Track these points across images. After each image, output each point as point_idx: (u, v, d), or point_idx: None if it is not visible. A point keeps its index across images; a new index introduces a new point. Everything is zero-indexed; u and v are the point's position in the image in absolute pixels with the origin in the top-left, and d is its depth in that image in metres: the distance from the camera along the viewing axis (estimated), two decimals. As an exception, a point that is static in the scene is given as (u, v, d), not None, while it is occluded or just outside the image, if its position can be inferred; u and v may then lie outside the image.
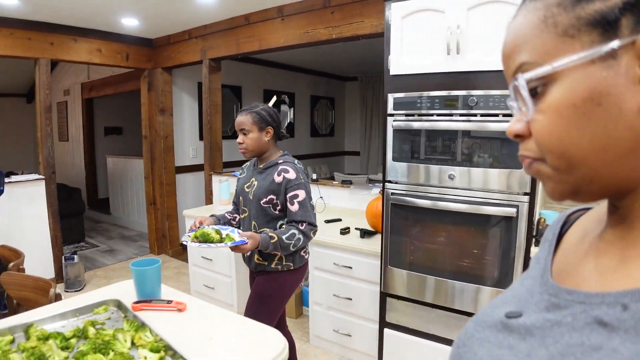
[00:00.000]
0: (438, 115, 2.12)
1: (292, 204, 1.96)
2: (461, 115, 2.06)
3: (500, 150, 2.03)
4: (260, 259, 2.03)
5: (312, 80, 6.77)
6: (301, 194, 1.97)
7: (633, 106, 0.36)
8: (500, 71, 1.59)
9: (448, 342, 2.26)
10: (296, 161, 2.09)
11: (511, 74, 0.45)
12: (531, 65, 0.41)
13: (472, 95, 2.02)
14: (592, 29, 0.38)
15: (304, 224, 1.95)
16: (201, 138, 4.89)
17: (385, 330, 2.45)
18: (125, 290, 1.60)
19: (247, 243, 1.79)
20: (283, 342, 1.29)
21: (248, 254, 2.05)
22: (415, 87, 2.17)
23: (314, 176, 3.55)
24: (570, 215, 0.58)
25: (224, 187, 3.64)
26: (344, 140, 7.88)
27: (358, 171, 7.43)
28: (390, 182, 2.30)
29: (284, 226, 2.02)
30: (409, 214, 2.27)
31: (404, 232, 2.31)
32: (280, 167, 2.00)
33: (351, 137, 7.82)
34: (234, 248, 1.79)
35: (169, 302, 1.43)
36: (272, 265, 2.02)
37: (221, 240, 1.81)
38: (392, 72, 2.22)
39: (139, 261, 1.49)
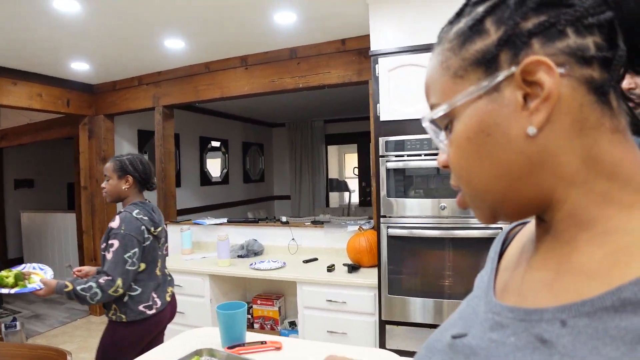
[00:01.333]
0: (425, 155, 2.54)
1: (108, 252, 2.00)
2: (446, 154, 2.50)
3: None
4: (104, 306, 2.11)
5: (243, 127, 7.04)
6: (115, 244, 1.98)
7: (519, 132, 0.41)
8: None
9: (448, 358, 2.59)
10: (136, 212, 2.09)
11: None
12: (436, 106, 0.47)
13: (456, 137, 2.48)
14: (476, 68, 0.43)
15: (106, 278, 1.94)
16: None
17: (387, 356, 2.72)
18: (200, 337, 1.58)
19: (41, 289, 1.89)
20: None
21: None
22: (403, 131, 2.58)
23: (284, 219, 3.78)
24: (510, 231, 0.61)
25: (187, 236, 3.71)
26: (273, 185, 8.15)
27: (290, 214, 7.70)
28: (384, 217, 2.64)
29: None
30: (406, 245, 2.62)
31: (402, 261, 2.65)
32: (117, 215, 2.10)
33: (280, 182, 8.13)
34: (32, 292, 1.89)
35: (263, 342, 1.47)
36: (109, 314, 2.09)
37: (15, 285, 1.89)
38: (382, 118, 2.61)
39: (223, 304, 1.53)
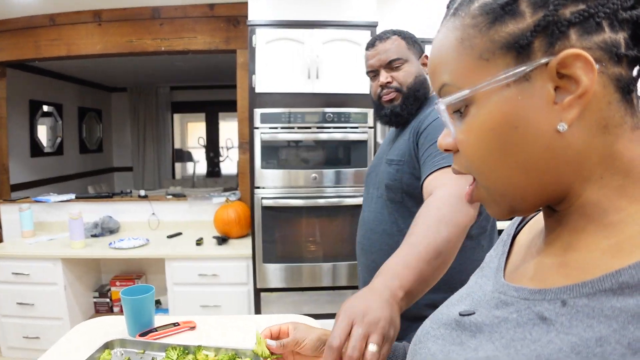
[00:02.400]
0: (300, 128, 2.67)
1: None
2: (319, 128, 2.66)
3: (350, 154, 2.72)
4: None
5: (79, 90, 6.31)
6: None
7: (548, 127, 0.40)
8: (349, 94, 2.31)
9: (321, 316, 2.81)
10: None
11: (437, 91, 0.49)
12: (451, 87, 0.45)
13: (328, 112, 2.65)
14: (506, 52, 0.41)
15: None
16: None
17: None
18: (99, 328, 1.42)
19: None
20: (312, 321, 1.51)
21: None
22: (279, 104, 2.66)
23: (142, 192, 3.58)
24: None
25: (27, 216, 3.29)
26: (112, 155, 7.52)
27: (132, 187, 7.23)
28: (259, 188, 2.72)
29: None
30: (280, 214, 2.74)
31: (275, 231, 2.77)
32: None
33: (121, 152, 7.53)
34: None
35: (176, 324, 1.40)
36: None
37: None
38: (257, 90, 2.65)
39: (127, 290, 1.40)
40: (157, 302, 3.24)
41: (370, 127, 2.68)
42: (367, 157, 2.69)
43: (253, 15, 2.66)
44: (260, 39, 2.61)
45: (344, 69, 2.64)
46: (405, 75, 1.37)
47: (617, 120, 0.40)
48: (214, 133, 7.71)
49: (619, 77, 0.40)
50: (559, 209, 0.46)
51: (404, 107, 1.37)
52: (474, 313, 0.50)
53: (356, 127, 2.67)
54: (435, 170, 1.13)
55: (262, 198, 2.70)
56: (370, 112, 2.67)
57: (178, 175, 7.83)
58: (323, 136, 2.67)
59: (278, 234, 2.78)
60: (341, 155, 2.74)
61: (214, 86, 7.10)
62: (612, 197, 0.41)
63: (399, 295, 0.79)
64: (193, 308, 2.95)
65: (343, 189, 2.71)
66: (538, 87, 0.40)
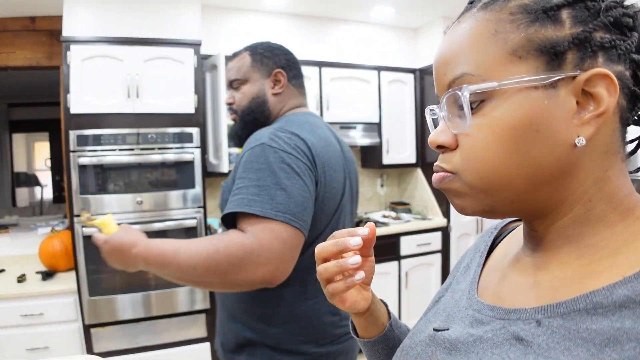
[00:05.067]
0: (120, 150, 2.57)
1: None
2: (142, 149, 2.59)
3: (177, 175, 2.68)
4: None
5: None
6: None
7: (566, 139, 0.41)
8: (173, 114, 2.33)
9: (157, 347, 2.72)
10: None
11: (447, 82, 0.46)
12: (474, 77, 0.43)
13: (151, 133, 2.59)
14: (540, 55, 0.41)
15: None
16: None
17: (94, 360, 2.67)
18: None
19: None
20: None
21: None
22: (97, 125, 2.55)
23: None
24: (505, 226, 0.62)
25: None
26: (-64, 184, 6.60)
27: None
28: (78, 216, 2.56)
29: None
30: (106, 242, 2.60)
31: (101, 260, 2.61)
32: None
33: (-53, 180, 6.64)
34: None
35: None
36: None
37: None
38: (72, 111, 2.51)
39: None
40: (-24, 351, 2.90)
41: (196, 147, 2.66)
42: (194, 178, 2.67)
43: (68, 31, 2.53)
44: (76, 55, 2.48)
45: (168, 88, 2.61)
46: (241, 97, 1.29)
47: (615, 149, 0.43)
48: (60, 153, 7.10)
49: (622, 109, 0.43)
50: (538, 227, 0.47)
51: (242, 129, 1.30)
52: (447, 329, 0.50)
53: (181, 147, 2.64)
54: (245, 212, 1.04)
55: (83, 227, 2.55)
56: (195, 131, 2.65)
57: (24, 202, 7.10)
58: (148, 158, 2.60)
59: (104, 264, 2.62)
60: (167, 177, 2.69)
61: (58, 102, 6.57)
62: (592, 221, 0.43)
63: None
64: (18, 353, 2.68)
65: (172, 212, 2.66)
66: (562, 97, 0.41)
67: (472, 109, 0.44)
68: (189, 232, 2.68)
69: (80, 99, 2.51)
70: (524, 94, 0.41)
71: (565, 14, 0.42)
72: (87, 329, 2.65)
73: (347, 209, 1.29)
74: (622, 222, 0.43)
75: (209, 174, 2.85)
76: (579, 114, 0.41)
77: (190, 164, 2.66)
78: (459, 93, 0.44)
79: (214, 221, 3.07)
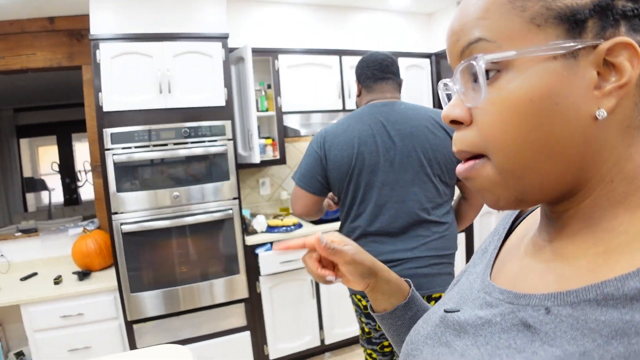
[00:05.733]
0: (154, 145, 2.57)
1: None
2: (176, 144, 2.59)
3: (211, 168, 2.69)
4: None
5: None
6: None
7: (587, 111, 0.39)
8: (205, 107, 2.35)
9: (198, 339, 2.75)
10: None
11: (460, 48, 0.44)
12: (490, 44, 0.41)
13: (184, 127, 2.59)
14: (559, 23, 0.39)
15: None
16: None
17: (137, 355, 2.68)
18: None
19: None
20: (185, 350, 1.43)
21: None
22: (130, 122, 2.54)
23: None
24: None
25: None
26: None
27: (-23, 228, 6.38)
28: (117, 213, 2.56)
29: None
30: (144, 238, 2.62)
31: (141, 256, 2.63)
32: None
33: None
34: None
35: None
36: None
37: None
38: (105, 109, 2.50)
39: None
40: (20, 354, 2.91)
41: (229, 139, 2.67)
42: (228, 170, 2.68)
43: (96, 29, 2.51)
44: (105, 54, 2.47)
45: (198, 82, 2.61)
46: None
47: (637, 123, 0.40)
48: (68, 156, 7.08)
49: None
50: (557, 209, 0.45)
51: None
52: (458, 310, 0.50)
53: (214, 140, 2.65)
54: None
55: (122, 224, 2.56)
56: (227, 124, 2.66)
57: (32, 207, 7.07)
58: (180, 152, 2.60)
59: (144, 260, 2.65)
60: (201, 170, 2.69)
61: (65, 105, 6.54)
62: (613, 204, 0.41)
63: None
64: (60, 355, 2.68)
65: (207, 205, 2.67)
66: (582, 67, 0.39)
67: (488, 79, 0.41)
68: (226, 223, 2.70)
69: (112, 96, 2.51)
70: (542, 65, 0.39)
71: None
72: (129, 325, 2.66)
73: (367, 176, 1.62)
74: None
75: (239, 166, 2.85)
76: (600, 85, 0.39)
77: (223, 156, 2.67)
78: (474, 63, 0.41)
79: (246, 212, 3.09)
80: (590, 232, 0.41)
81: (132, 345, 2.67)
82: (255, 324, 2.86)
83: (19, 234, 3.21)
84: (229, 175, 2.68)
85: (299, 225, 2.96)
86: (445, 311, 0.52)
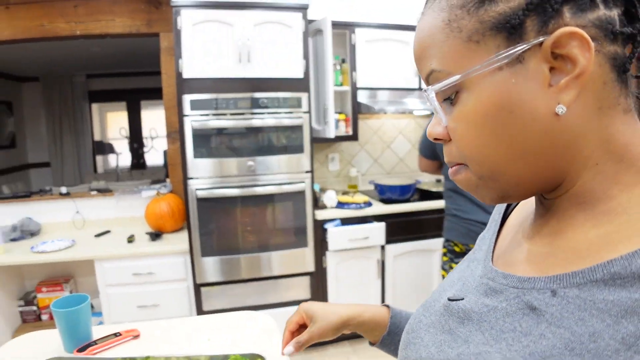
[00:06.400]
0: (232, 114, 2.57)
1: None
2: (252, 114, 2.58)
3: (286, 140, 2.67)
4: None
5: (-17, 81, 5.73)
6: None
7: (546, 110, 0.38)
8: (282, 78, 2.28)
9: (263, 307, 2.77)
10: None
11: (424, 78, 0.46)
12: (440, 74, 0.42)
13: (261, 97, 2.57)
14: (496, 33, 0.38)
15: None
16: None
17: (204, 317, 2.74)
18: (31, 346, 1.26)
19: None
20: (267, 317, 1.40)
21: None
22: (209, 90, 2.54)
23: (64, 190, 3.31)
24: None
25: None
26: (27, 150, 6.93)
27: (52, 184, 6.73)
28: (192, 179, 2.59)
29: None
30: (216, 205, 2.64)
31: (212, 222, 2.66)
32: None
33: (36, 147, 6.96)
34: None
35: (117, 334, 1.26)
36: None
37: None
38: (185, 76, 2.51)
39: (59, 301, 1.24)
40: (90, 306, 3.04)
41: (305, 112, 2.63)
42: (303, 143, 2.65)
43: (177, -5, 2.50)
44: (186, 20, 2.46)
45: (276, 53, 2.57)
46: None
47: (611, 102, 0.39)
48: (136, 123, 7.30)
49: (615, 56, 0.38)
50: (550, 197, 0.45)
51: None
52: (462, 299, 0.49)
53: (290, 112, 2.62)
54: None
55: (197, 189, 2.59)
56: (304, 96, 2.61)
57: (100, 169, 7.38)
58: (256, 122, 2.58)
59: (215, 226, 2.68)
60: (276, 141, 2.67)
61: (135, 73, 6.71)
62: (605, 185, 0.40)
63: None
64: (129, 310, 2.79)
65: (279, 176, 2.65)
66: (532, 69, 0.38)
67: (452, 100, 0.43)
68: (297, 197, 2.68)
69: (191, 63, 2.51)
70: (490, 78, 0.39)
71: None
72: (197, 287, 2.72)
73: None
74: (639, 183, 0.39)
75: (313, 140, 2.81)
76: (556, 80, 0.38)
77: (299, 128, 2.64)
78: (426, 94, 0.44)
79: (316, 187, 3.06)
80: (588, 214, 0.41)
81: (199, 307, 2.73)
82: (319, 298, 2.86)
83: (95, 192, 3.32)
84: (303, 148, 2.65)
85: (369, 204, 2.90)
86: (450, 300, 0.51)
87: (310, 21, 2.82)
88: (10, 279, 3.01)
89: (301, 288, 2.80)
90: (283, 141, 2.68)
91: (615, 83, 0.39)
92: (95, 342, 1.23)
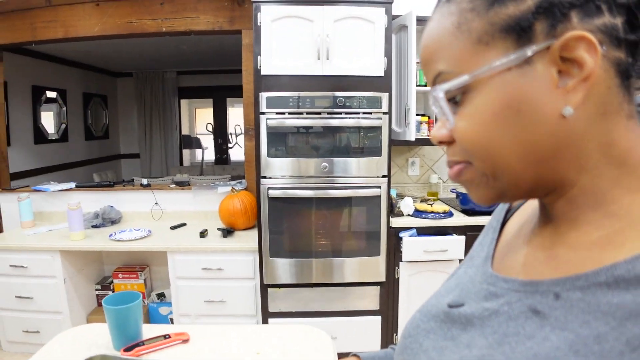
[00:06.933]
0: (308, 113, 2.46)
1: None
2: (329, 113, 2.45)
3: (363, 142, 2.52)
4: None
5: (84, 76, 6.13)
6: None
7: (553, 111, 0.39)
8: (362, 76, 2.09)
9: (329, 314, 2.65)
10: None
11: (430, 81, 0.46)
12: (448, 75, 0.43)
13: (339, 96, 2.43)
14: (506, 35, 0.39)
15: None
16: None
17: (270, 320, 2.67)
18: (84, 338, 1.27)
19: None
20: (323, 334, 1.31)
21: None
22: (286, 87, 2.45)
23: (145, 181, 3.41)
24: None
25: (26, 205, 3.14)
26: (119, 142, 7.37)
27: (140, 174, 7.09)
28: (265, 177, 2.52)
29: None
30: (288, 206, 2.55)
31: (283, 223, 2.58)
32: None
33: (127, 139, 7.38)
34: None
35: (167, 336, 1.23)
36: None
37: None
38: (263, 72, 2.44)
39: (111, 297, 1.24)
40: (162, 296, 3.10)
41: (384, 113, 2.46)
42: (381, 145, 2.48)
43: (257, -9, 2.44)
44: (266, 17, 2.40)
45: (356, 50, 2.42)
46: None
47: (615, 107, 0.39)
48: (222, 119, 7.52)
49: (619, 62, 0.38)
50: (549, 200, 0.45)
51: None
52: (463, 305, 0.49)
53: (369, 113, 2.46)
54: None
55: (269, 188, 2.51)
56: (384, 96, 2.45)
57: (186, 162, 7.68)
58: (334, 122, 2.46)
59: (286, 227, 2.59)
60: (353, 143, 2.53)
61: (221, 70, 6.91)
62: (605, 188, 0.41)
63: None
64: (197, 303, 2.79)
65: (354, 180, 2.51)
66: (540, 70, 0.38)
67: (457, 102, 0.43)
68: (372, 202, 2.52)
69: (270, 60, 2.44)
70: (497, 79, 0.40)
71: None
72: (264, 288, 2.65)
73: None
74: None
75: (392, 142, 2.64)
76: (563, 83, 0.38)
77: (377, 130, 2.47)
78: (434, 95, 0.44)
79: (393, 192, 2.89)
80: (590, 217, 0.41)
81: (264, 308, 2.67)
82: (388, 309, 2.68)
83: (173, 185, 3.38)
84: (381, 151, 2.48)
85: (449, 214, 2.67)
86: (450, 306, 0.51)
87: (394, 17, 2.65)
88: (91, 263, 3.13)
89: (370, 298, 2.64)
90: (360, 143, 2.53)
91: (619, 88, 0.39)
92: (143, 343, 1.19)
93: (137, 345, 1.18)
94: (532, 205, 0.54)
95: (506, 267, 0.49)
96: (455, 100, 0.43)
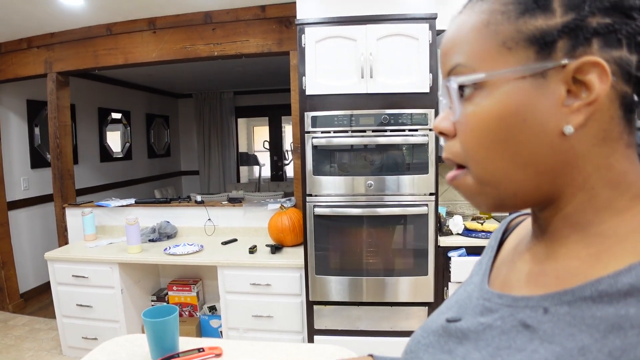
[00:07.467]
0: (353, 131, 2.45)
1: None
2: (374, 131, 2.43)
3: (409, 159, 2.47)
4: None
5: (147, 98, 6.49)
6: None
7: (554, 127, 0.40)
8: (407, 93, 2.04)
9: (376, 333, 2.59)
10: None
11: (446, 71, 0.47)
12: (465, 69, 0.44)
13: (385, 114, 2.41)
14: (529, 45, 0.40)
15: None
16: (34, 166, 4.30)
17: (315, 337, 2.66)
18: (124, 347, 1.34)
19: None
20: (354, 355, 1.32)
21: None
22: (331, 106, 2.46)
23: (199, 198, 3.53)
24: (512, 221, 0.63)
25: (89, 220, 3.33)
26: (180, 159, 7.69)
27: (199, 190, 7.35)
28: (311, 195, 2.53)
29: None
30: (333, 223, 2.54)
31: (329, 241, 2.57)
32: None
33: (188, 157, 7.69)
34: None
35: (201, 350, 1.27)
36: None
37: None
38: (307, 92, 2.46)
39: (150, 310, 1.32)
40: (213, 309, 3.17)
41: (430, 130, 2.41)
42: (427, 162, 2.43)
43: (302, 14, 2.50)
44: (310, 38, 2.43)
45: (400, 67, 2.40)
46: None
47: (615, 135, 0.41)
48: (277, 136, 7.67)
49: (625, 95, 0.40)
50: (544, 215, 0.46)
51: None
52: (460, 320, 0.50)
53: (415, 130, 2.42)
54: None
55: (315, 206, 2.52)
56: (430, 113, 2.40)
57: (244, 179, 7.87)
58: (380, 140, 2.44)
59: (332, 245, 2.58)
60: (399, 160, 2.50)
61: (276, 90, 7.08)
62: (598, 209, 0.41)
63: None
64: (245, 318, 2.83)
65: (401, 198, 2.46)
66: (552, 86, 0.40)
67: (465, 97, 0.44)
68: (419, 220, 2.46)
69: (315, 80, 2.46)
70: (511, 84, 0.41)
71: (556, 2, 0.39)
72: (310, 305, 2.64)
73: None
74: (631, 209, 0.40)
75: (438, 159, 2.58)
76: (569, 102, 0.40)
77: (423, 147, 2.43)
78: (448, 84, 0.45)
79: (442, 210, 2.81)
80: (580, 236, 0.42)
81: (310, 325, 2.66)
82: (437, 331, 2.60)
83: (226, 202, 3.47)
84: (428, 168, 2.43)
85: (499, 232, 2.57)
86: (447, 321, 0.52)
87: (440, 31, 2.60)
88: (148, 275, 3.27)
89: (417, 318, 2.56)
90: (406, 160, 2.49)
91: (622, 120, 0.40)
92: (178, 355, 1.24)
93: (173, 357, 1.22)
94: (528, 225, 0.54)
95: (502, 284, 0.51)
96: (463, 95, 0.44)
